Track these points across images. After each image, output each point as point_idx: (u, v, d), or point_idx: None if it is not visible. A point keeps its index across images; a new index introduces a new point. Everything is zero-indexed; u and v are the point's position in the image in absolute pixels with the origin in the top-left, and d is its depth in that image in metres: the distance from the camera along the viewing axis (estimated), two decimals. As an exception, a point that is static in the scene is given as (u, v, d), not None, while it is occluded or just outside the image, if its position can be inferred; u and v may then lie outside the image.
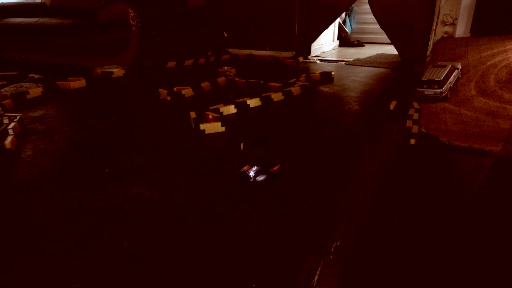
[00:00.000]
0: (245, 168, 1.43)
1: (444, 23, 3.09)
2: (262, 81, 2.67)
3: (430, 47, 3.21)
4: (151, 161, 1.47)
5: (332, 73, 2.95)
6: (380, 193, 1.21)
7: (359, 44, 5.15)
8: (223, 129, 1.78)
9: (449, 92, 1.98)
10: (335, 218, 1.06)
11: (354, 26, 5.70)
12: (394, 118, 1.94)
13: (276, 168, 1.37)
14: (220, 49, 4.41)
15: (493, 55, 2.35)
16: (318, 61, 3.85)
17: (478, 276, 0.84)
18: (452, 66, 2.10)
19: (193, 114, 1.90)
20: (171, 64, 3.53)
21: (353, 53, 4.41)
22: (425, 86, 1.99)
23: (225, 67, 3.17)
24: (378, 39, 5.34)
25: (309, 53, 4.03)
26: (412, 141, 1.59)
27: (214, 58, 3.90)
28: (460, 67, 2.19)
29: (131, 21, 3.19)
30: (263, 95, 2.25)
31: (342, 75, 3.09)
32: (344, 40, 5.14)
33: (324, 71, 2.96)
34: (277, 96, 2.31)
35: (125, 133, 1.79)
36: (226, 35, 4.31)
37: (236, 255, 0.92)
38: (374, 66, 3.50)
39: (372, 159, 1.46)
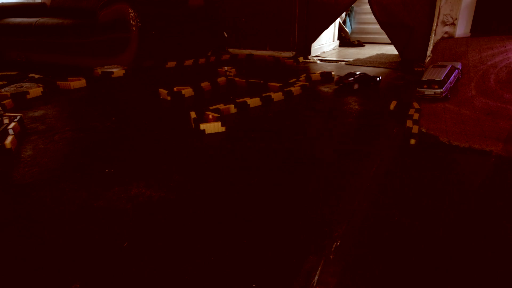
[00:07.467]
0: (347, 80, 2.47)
1: (444, 23, 3.09)
2: (262, 81, 2.67)
3: (430, 47, 3.21)
4: (151, 161, 1.47)
5: (332, 73, 2.95)
6: (380, 193, 1.21)
7: (359, 44, 5.14)
8: (223, 129, 1.78)
9: (449, 92, 1.98)
10: (335, 218, 1.06)
11: (354, 26, 5.70)
12: (394, 118, 1.94)
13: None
14: (220, 49, 4.41)
15: (493, 55, 2.35)
16: (318, 61, 3.85)
17: (479, 276, 0.84)
18: (452, 66, 2.10)
19: (193, 114, 1.90)
20: (171, 64, 3.53)
21: (353, 53, 4.41)
22: (425, 86, 1.98)
23: (225, 67, 3.17)
24: (378, 39, 5.34)
25: (309, 53, 4.03)
26: (412, 141, 1.59)
27: (214, 58, 3.90)
28: (460, 67, 2.19)
29: (131, 21, 3.19)
30: (263, 95, 2.25)
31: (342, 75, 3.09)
32: (344, 40, 5.14)
33: (324, 71, 2.96)
34: (277, 96, 2.31)
35: (125, 133, 1.79)
36: (226, 35, 4.31)
37: (236, 255, 0.92)
38: (374, 66, 3.50)
39: (372, 159, 1.46)
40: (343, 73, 3.19)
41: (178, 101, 2.37)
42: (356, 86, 2.52)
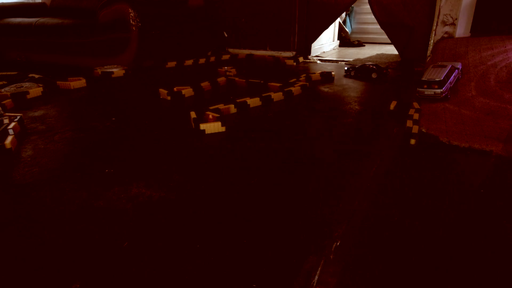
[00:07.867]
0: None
1: (444, 23, 3.09)
2: (262, 81, 2.67)
3: (430, 47, 3.21)
4: (151, 161, 1.47)
5: (333, 73, 2.95)
6: (380, 193, 1.21)
7: (359, 44, 5.14)
8: (223, 129, 1.78)
9: (449, 92, 1.98)
10: (335, 218, 1.06)
11: (354, 26, 5.70)
12: (394, 118, 1.94)
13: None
14: (220, 49, 4.41)
15: (493, 55, 2.35)
16: (318, 61, 3.85)
17: (479, 276, 0.84)
18: (452, 66, 2.10)
19: (193, 114, 1.90)
20: (171, 64, 3.53)
21: (353, 53, 4.41)
22: (425, 86, 1.98)
23: (225, 67, 3.17)
24: (378, 39, 5.34)
25: (309, 53, 4.03)
26: (412, 141, 1.59)
27: (214, 58, 3.90)
28: (460, 67, 2.19)
29: (131, 21, 3.19)
30: (263, 95, 2.25)
31: (342, 75, 3.09)
32: (344, 40, 5.14)
33: (324, 71, 2.96)
34: (277, 96, 2.31)
35: (125, 133, 1.79)
36: (226, 35, 4.31)
37: (236, 255, 0.92)
38: (374, 66, 3.50)
39: (372, 159, 1.46)
40: (344, 73, 3.20)
41: (178, 101, 2.37)
42: (374, 75, 2.96)
